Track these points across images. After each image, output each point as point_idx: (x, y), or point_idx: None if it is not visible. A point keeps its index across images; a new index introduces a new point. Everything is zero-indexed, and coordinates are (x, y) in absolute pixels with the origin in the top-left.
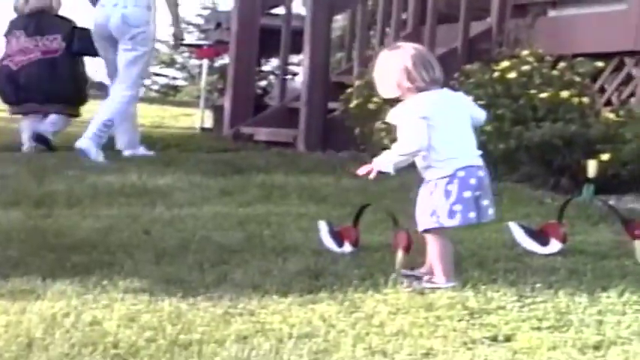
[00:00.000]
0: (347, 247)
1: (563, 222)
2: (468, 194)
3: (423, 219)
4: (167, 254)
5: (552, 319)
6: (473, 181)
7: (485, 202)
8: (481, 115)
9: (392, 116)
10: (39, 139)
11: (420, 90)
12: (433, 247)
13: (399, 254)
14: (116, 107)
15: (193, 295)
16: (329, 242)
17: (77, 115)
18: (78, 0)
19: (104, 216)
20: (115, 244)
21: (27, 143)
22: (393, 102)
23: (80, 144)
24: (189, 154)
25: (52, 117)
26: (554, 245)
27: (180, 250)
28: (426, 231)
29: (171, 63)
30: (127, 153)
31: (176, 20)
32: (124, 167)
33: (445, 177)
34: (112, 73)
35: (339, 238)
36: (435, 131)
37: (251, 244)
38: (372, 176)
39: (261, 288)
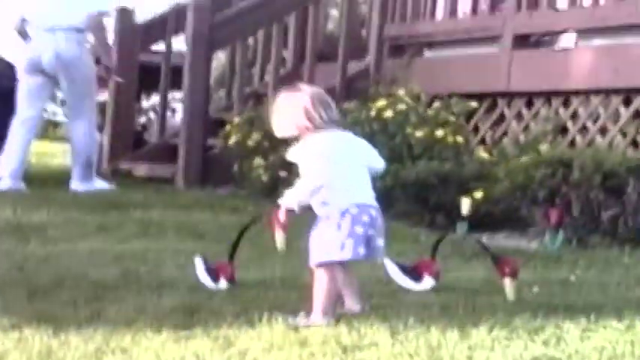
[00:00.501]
0: (222, 283)
1: (437, 259)
2: (359, 230)
3: (315, 253)
4: (40, 291)
5: (424, 354)
6: (365, 218)
7: (379, 242)
8: (378, 163)
9: (292, 154)
10: None
11: (318, 129)
12: (319, 282)
13: (279, 234)
14: (84, 143)
15: (65, 332)
16: (205, 278)
17: None
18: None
19: None
20: None
21: None
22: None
23: (75, 187)
24: (66, 190)
25: None
26: (428, 282)
27: (54, 286)
28: (319, 265)
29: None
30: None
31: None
32: None
33: (339, 212)
34: None
35: (214, 274)
36: (332, 169)
37: (127, 280)
38: (280, 216)
39: (134, 324)
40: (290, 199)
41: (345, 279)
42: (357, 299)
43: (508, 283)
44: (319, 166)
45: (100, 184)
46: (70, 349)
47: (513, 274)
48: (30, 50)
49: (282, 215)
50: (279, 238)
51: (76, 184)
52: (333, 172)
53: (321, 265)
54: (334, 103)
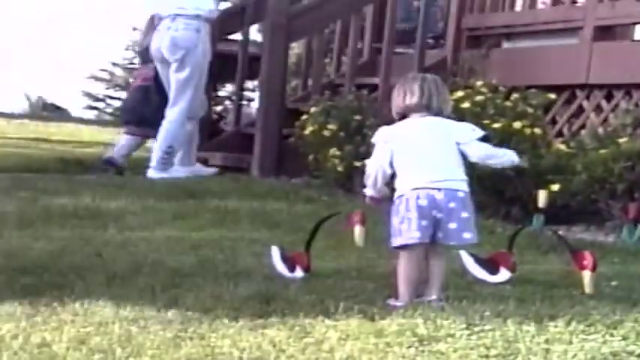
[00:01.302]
0: (298, 273)
1: (513, 251)
2: (412, 214)
3: (391, 238)
4: (118, 277)
5: (500, 347)
6: (423, 202)
7: (450, 226)
8: (465, 136)
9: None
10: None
11: (399, 116)
12: (398, 265)
13: (357, 229)
14: (171, 132)
15: (144, 319)
16: (281, 267)
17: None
18: None
19: (56, 238)
20: (67, 267)
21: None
22: (350, 131)
23: (151, 175)
24: (142, 177)
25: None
26: (504, 274)
27: (131, 273)
28: (396, 248)
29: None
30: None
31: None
32: (77, 189)
33: (397, 197)
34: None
35: (290, 263)
36: (395, 155)
37: (203, 268)
38: (368, 202)
39: (211, 312)
40: (367, 188)
41: (428, 266)
42: (435, 289)
43: (587, 276)
44: (376, 153)
45: (178, 172)
46: (150, 334)
47: (592, 268)
48: (154, 39)
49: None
50: (358, 233)
51: (151, 172)
52: (396, 160)
53: (395, 249)
54: (424, 88)
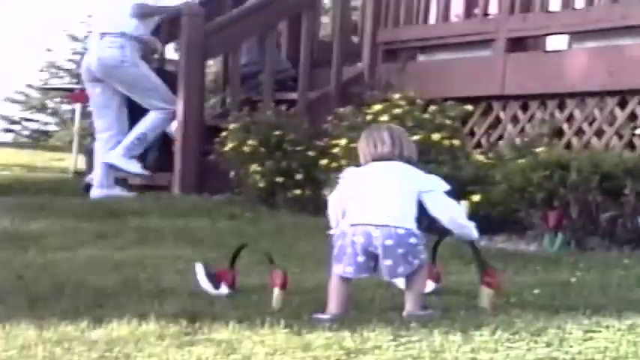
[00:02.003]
0: (224, 289)
1: (436, 262)
2: (348, 250)
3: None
4: (41, 299)
5: (427, 357)
6: (359, 239)
7: (385, 262)
8: (426, 185)
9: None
10: None
11: (367, 164)
12: (330, 279)
13: (276, 292)
14: (154, 120)
15: (68, 340)
16: (206, 284)
17: None
18: None
19: None
20: None
21: None
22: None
23: (108, 159)
24: (62, 198)
25: None
26: (428, 285)
27: (54, 294)
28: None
29: (42, 108)
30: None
31: None
32: None
33: (340, 231)
34: None
35: (215, 280)
36: (343, 193)
37: (127, 287)
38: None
39: (137, 331)
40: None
41: (407, 281)
42: (410, 303)
43: (485, 293)
44: (337, 190)
45: (135, 167)
46: (74, 356)
47: (491, 286)
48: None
49: (282, 276)
50: (276, 296)
51: (110, 156)
52: (345, 196)
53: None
54: (389, 137)
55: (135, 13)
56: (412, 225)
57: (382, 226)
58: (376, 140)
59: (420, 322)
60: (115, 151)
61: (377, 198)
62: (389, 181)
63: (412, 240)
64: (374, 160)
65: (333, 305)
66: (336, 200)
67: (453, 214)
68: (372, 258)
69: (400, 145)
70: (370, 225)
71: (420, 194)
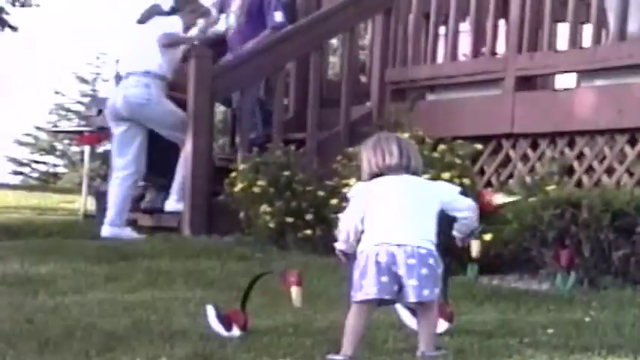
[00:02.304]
0: (235, 331)
1: (449, 302)
2: (371, 270)
3: (352, 292)
4: (51, 343)
5: None
6: (382, 258)
7: (410, 282)
8: (445, 195)
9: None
10: None
11: (372, 176)
12: (347, 318)
13: (294, 290)
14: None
15: None
16: (217, 326)
17: None
18: None
19: None
20: None
21: None
22: (280, 187)
23: (168, 207)
24: (72, 241)
25: None
26: (441, 325)
27: (64, 338)
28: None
29: (51, 150)
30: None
31: None
32: (5, 255)
33: (360, 252)
34: None
35: (227, 322)
36: (367, 211)
37: (138, 330)
38: (338, 255)
39: None
40: (338, 243)
41: (418, 321)
42: (424, 343)
43: (295, 292)
44: (349, 207)
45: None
46: None
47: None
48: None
49: (296, 274)
50: (296, 294)
51: (169, 205)
52: (363, 214)
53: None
54: (399, 148)
55: (162, 44)
56: (432, 245)
57: (404, 245)
58: (385, 151)
59: None
60: (171, 198)
61: (398, 216)
62: (407, 198)
63: (431, 261)
64: (380, 171)
65: (348, 346)
66: (349, 218)
67: (470, 203)
68: (396, 281)
69: (408, 157)
70: (393, 244)
71: (442, 204)
